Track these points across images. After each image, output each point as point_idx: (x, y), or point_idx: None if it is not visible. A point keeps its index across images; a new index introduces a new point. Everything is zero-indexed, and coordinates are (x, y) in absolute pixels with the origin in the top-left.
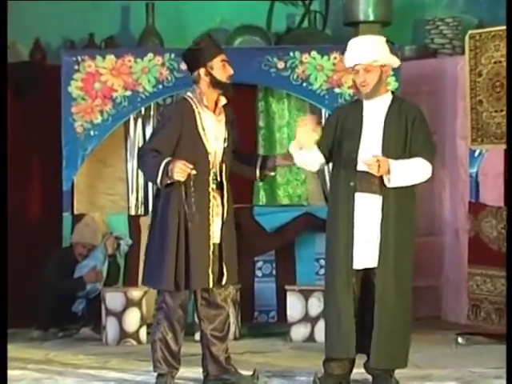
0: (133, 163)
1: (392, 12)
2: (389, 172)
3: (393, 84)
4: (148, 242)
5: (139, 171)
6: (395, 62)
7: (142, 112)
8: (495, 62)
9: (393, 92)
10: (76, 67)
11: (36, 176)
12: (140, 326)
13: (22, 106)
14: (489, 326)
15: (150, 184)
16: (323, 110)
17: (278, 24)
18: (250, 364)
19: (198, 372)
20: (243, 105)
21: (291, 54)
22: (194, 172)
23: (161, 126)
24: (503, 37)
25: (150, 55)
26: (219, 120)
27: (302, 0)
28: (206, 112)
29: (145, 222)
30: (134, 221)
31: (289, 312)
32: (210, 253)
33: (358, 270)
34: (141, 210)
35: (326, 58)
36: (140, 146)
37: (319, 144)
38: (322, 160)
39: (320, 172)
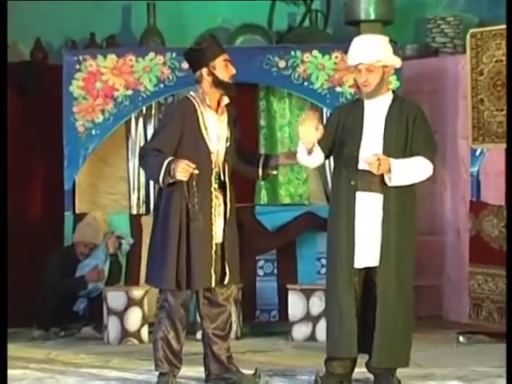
0: (134, 162)
1: (393, 11)
2: (389, 171)
3: (394, 83)
4: (150, 242)
5: (141, 170)
6: (397, 62)
7: (144, 111)
8: (496, 61)
9: (393, 91)
10: (77, 67)
11: (37, 175)
12: (141, 325)
13: (23, 105)
14: (490, 324)
15: (151, 183)
16: (324, 109)
17: (279, 23)
18: (252, 363)
19: (199, 371)
20: (244, 104)
21: (292, 53)
22: (196, 171)
23: (162, 125)
24: (504, 35)
25: (152, 54)
26: (222, 119)
27: None
28: (208, 111)
29: (146, 221)
30: (135, 220)
31: (290, 311)
32: (213, 252)
33: (360, 269)
34: (142, 209)
35: (327, 57)
36: (141, 145)
37: (320, 142)
38: (322, 159)
39: (321, 171)
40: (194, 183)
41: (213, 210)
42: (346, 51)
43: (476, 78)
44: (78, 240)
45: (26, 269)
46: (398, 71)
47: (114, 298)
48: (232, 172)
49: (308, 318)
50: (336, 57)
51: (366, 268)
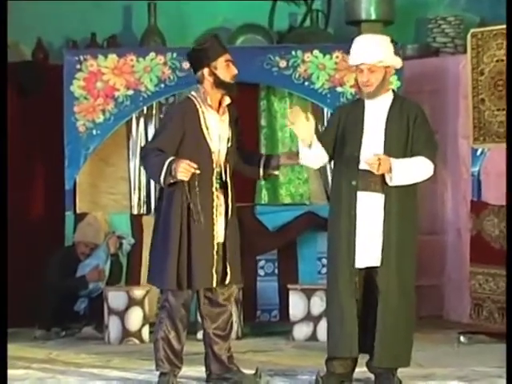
0: (135, 162)
1: (394, 11)
2: (390, 170)
3: (395, 83)
4: (152, 241)
5: (141, 170)
6: (398, 63)
7: (144, 111)
8: (497, 61)
9: (394, 91)
10: (78, 66)
11: (38, 175)
12: (142, 325)
13: (24, 105)
14: (491, 324)
15: (152, 183)
16: (325, 109)
17: (280, 23)
18: (253, 363)
19: (200, 371)
20: (245, 104)
21: (293, 52)
22: (197, 171)
23: (164, 125)
24: (505, 35)
25: (152, 54)
26: (223, 120)
27: None
28: (209, 111)
29: (147, 221)
30: (136, 220)
31: (291, 311)
32: (214, 252)
33: (361, 269)
34: (143, 209)
35: (328, 56)
36: (142, 145)
37: (322, 143)
38: (326, 158)
39: (322, 171)
40: (196, 183)
41: (214, 209)
42: (346, 51)
43: (477, 77)
44: (78, 240)
45: (27, 269)
46: (398, 71)
47: (115, 297)
48: (233, 172)
49: (309, 317)
50: (337, 57)
51: (366, 268)
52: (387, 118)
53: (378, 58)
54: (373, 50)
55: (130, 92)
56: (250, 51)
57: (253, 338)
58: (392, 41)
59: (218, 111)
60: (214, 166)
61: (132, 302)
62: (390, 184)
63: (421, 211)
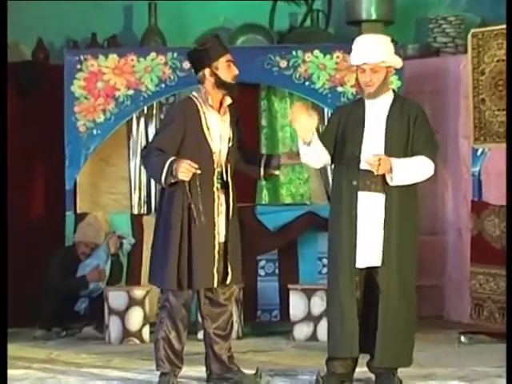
0: (135, 162)
1: (395, 11)
2: (391, 170)
3: (395, 83)
4: (153, 241)
5: (142, 170)
6: (399, 63)
7: (145, 111)
8: (498, 61)
9: (394, 91)
10: (79, 66)
11: (39, 175)
12: (143, 325)
13: (24, 105)
14: (492, 324)
15: (152, 183)
16: (325, 109)
17: (280, 23)
18: (253, 363)
19: (200, 371)
20: (246, 104)
21: (294, 52)
22: (198, 171)
23: (165, 125)
24: (506, 35)
25: (153, 54)
26: (224, 120)
27: None
28: (210, 112)
29: (147, 221)
30: (136, 220)
31: (291, 311)
32: (216, 252)
33: (361, 269)
34: (143, 209)
35: (328, 56)
36: (143, 145)
37: (323, 143)
38: (328, 158)
39: (323, 171)
40: (198, 183)
41: (215, 209)
42: (347, 51)
43: (477, 77)
44: (79, 240)
45: (28, 269)
46: (399, 71)
47: (116, 297)
48: (234, 172)
49: (309, 317)
50: (337, 57)
51: (367, 268)
52: (388, 118)
53: (380, 58)
54: (375, 50)
55: (131, 92)
56: (251, 51)
57: (253, 338)
58: (392, 40)
59: (219, 111)
60: (215, 166)
61: (132, 301)
62: (391, 184)
63: (421, 211)
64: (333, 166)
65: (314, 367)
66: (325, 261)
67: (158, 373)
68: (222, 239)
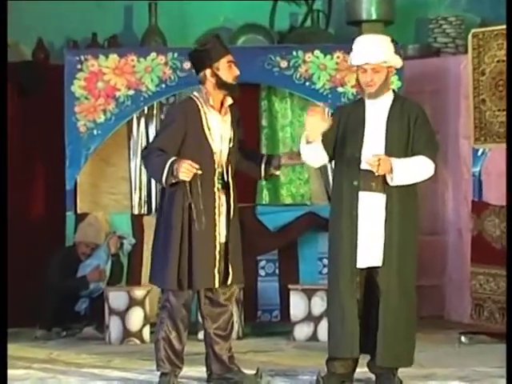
0: (136, 162)
1: (395, 11)
2: (391, 170)
3: (396, 83)
4: (153, 241)
5: (142, 170)
6: (399, 62)
7: (145, 111)
8: (498, 61)
9: (394, 91)
10: (79, 67)
11: (39, 175)
12: (143, 325)
13: (25, 105)
14: (492, 325)
15: (153, 183)
16: (326, 110)
17: (281, 23)
18: (253, 363)
19: (201, 371)
20: (246, 104)
21: (294, 53)
22: (199, 172)
23: (166, 125)
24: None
25: (153, 54)
26: (225, 120)
27: None
28: (211, 112)
29: (148, 221)
30: (137, 220)
31: (292, 311)
32: (217, 252)
33: (362, 269)
34: (144, 209)
35: (328, 57)
36: (143, 145)
37: (323, 142)
38: (326, 158)
39: (323, 171)
40: (199, 183)
41: (216, 210)
42: (347, 51)
43: (478, 78)
44: (79, 240)
45: (29, 269)
46: (399, 71)
47: (116, 298)
48: (234, 172)
49: (310, 318)
50: (338, 57)
51: (368, 268)
52: (388, 118)
53: (382, 58)
54: (377, 50)
55: (131, 92)
56: (251, 51)
57: (254, 338)
58: (392, 40)
59: (219, 112)
60: (216, 166)
61: (133, 302)
62: (391, 184)
63: (422, 211)
64: (333, 166)
65: (314, 367)
66: (325, 261)
67: (159, 373)
68: (223, 239)
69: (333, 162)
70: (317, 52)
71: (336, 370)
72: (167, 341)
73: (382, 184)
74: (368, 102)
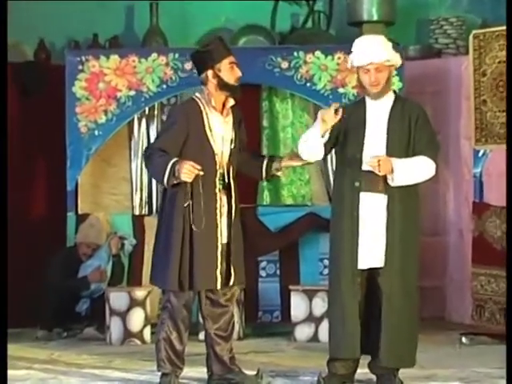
0: (137, 163)
1: (396, 12)
2: (392, 171)
3: (397, 84)
4: (155, 242)
5: (143, 171)
6: (399, 61)
7: (146, 112)
8: (499, 62)
9: (395, 92)
10: (80, 67)
11: (40, 176)
12: (144, 326)
13: (26, 105)
14: (493, 326)
15: (154, 184)
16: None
17: (282, 24)
18: (254, 364)
19: (202, 372)
20: (247, 104)
21: (295, 53)
22: (201, 173)
23: (167, 126)
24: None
25: (154, 55)
26: (227, 121)
27: (306, 0)
28: (213, 113)
29: (149, 222)
30: (138, 221)
31: (293, 312)
32: (218, 253)
33: (363, 270)
34: (145, 210)
35: (329, 57)
36: (144, 146)
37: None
38: (322, 154)
39: (324, 172)
40: (201, 184)
41: (217, 211)
42: (348, 52)
43: (479, 79)
44: (80, 241)
45: (29, 269)
46: (400, 72)
47: (117, 298)
48: (236, 173)
49: (310, 318)
50: (339, 58)
51: (369, 269)
52: (389, 119)
53: (385, 57)
54: (379, 50)
55: (132, 93)
56: (252, 52)
57: (254, 339)
58: (389, 39)
59: (221, 113)
60: (218, 167)
61: (134, 302)
62: (392, 184)
63: (423, 212)
64: (334, 167)
65: (315, 368)
66: (326, 262)
67: (159, 373)
68: (225, 240)
69: (334, 163)
70: (318, 53)
71: (337, 371)
72: (168, 341)
73: (384, 185)
74: (369, 103)
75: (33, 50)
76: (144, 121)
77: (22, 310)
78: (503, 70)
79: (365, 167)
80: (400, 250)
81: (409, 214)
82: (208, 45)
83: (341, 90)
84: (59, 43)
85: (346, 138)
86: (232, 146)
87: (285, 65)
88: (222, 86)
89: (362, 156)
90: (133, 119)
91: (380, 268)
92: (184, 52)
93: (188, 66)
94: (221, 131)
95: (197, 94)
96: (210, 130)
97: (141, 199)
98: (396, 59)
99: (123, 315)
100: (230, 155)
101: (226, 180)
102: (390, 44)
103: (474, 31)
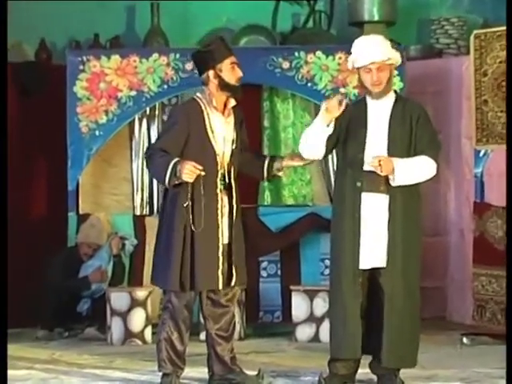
0: (138, 163)
1: (397, 12)
2: (393, 171)
3: (398, 84)
4: (156, 242)
5: (144, 171)
6: (399, 59)
7: (147, 112)
8: (500, 62)
9: (395, 91)
10: (81, 67)
11: (41, 176)
12: (145, 326)
13: (27, 105)
14: (494, 326)
15: (155, 184)
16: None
17: (283, 24)
18: (255, 364)
19: (203, 372)
20: (248, 105)
21: (296, 53)
22: (203, 173)
23: (169, 126)
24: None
25: (155, 55)
26: (228, 122)
27: (307, 0)
28: (214, 113)
29: (150, 222)
30: (138, 221)
31: (294, 312)
32: (220, 254)
33: (364, 270)
34: (146, 210)
35: (330, 58)
36: (145, 146)
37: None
38: (322, 154)
39: (325, 172)
40: (202, 185)
41: (219, 211)
42: (349, 52)
43: (480, 79)
44: (81, 241)
45: (30, 269)
46: (401, 72)
47: (118, 298)
48: (237, 173)
49: (311, 319)
50: (340, 58)
51: (370, 269)
52: (390, 119)
53: (386, 56)
54: (380, 49)
55: (133, 93)
56: (253, 52)
57: (255, 339)
58: (390, 40)
59: (223, 113)
60: (219, 167)
61: (134, 302)
62: (393, 184)
63: (424, 212)
64: (335, 168)
65: (316, 368)
66: (327, 262)
67: (160, 374)
68: (226, 241)
69: (335, 163)
70: (319, 53)
71: (338, 371)
72: (169, 342)
73: (385, 185)
74: (370, 103)
75: (34, 50)
76: (145, 121)
77: (22, 310)
78: (504, 70)
79: (366, 167)
80: (402, 250)
81: (410, 214)
82: (209, 45)
83: (342, 90)
84: (60, 43)
85: (347, 138)
86: (233, 147)
87: (286, 65)
88: (223, 86)
89: (364, 156)
90: (134, 119)
91: (382, 268)
92: (185, 52)
93: (189, 66)
94: (222, 131)
95: (198, 95)
96: (212, 131)
97: (142, 199)
98: (396, 57)
99: (124, 315)
100: (232, 155)
101: (227, 180)
102: (388, 43)
103: (475, 31)
